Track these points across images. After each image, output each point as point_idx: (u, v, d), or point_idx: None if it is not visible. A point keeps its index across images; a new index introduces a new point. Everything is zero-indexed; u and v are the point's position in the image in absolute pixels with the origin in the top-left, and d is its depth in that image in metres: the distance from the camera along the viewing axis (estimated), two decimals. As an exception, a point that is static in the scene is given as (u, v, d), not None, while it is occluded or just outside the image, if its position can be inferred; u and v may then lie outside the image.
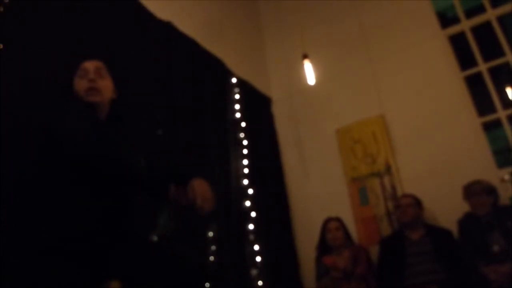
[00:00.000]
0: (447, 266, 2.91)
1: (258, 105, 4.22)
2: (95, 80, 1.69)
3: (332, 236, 3.40)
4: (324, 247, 3.43)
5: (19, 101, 1.92)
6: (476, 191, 2.99)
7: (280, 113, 4.43)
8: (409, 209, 3.22)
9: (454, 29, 3.88)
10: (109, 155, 1.49)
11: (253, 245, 3.37)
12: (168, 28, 3.20)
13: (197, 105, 3.32)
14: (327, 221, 3.48)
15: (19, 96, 1.93)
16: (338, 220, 3.47)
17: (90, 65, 1.73)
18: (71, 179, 1.49)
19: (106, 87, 1.74)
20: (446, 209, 3.31)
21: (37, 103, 1.88)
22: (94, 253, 1.43)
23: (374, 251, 3.40)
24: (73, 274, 1.37)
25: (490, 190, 3.00)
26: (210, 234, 2.97)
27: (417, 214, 3.23)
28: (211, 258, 2.89)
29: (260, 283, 3.28)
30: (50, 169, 1.52)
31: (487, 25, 3.75)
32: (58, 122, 1.53)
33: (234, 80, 3.88)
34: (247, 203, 3.49)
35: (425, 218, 3.31)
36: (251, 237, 3.40)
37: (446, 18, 4.08)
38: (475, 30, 3.80)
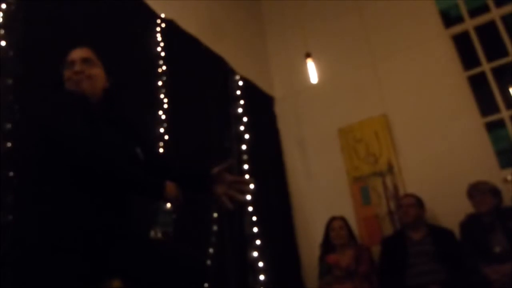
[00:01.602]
0: (449, 266, 2.90)
1: (260, 104, 4.22)
2: (81, 72, 1.63)
3: (335, 235, 3.41)
4: (327, 245, 3.45)
5: (21, 98, 1.93)
6: (481, 190, 2.98)
7: (282, 112, 4.42)
8: (411, 209, 3.21)
9: (457, 29, 3.86)
10: (101, 152, 1.47)
11: (254, 244, 3.38)
12: (170, 26, 3.20)
13: (200, 103, 3.33)
14: (331, 220, 3.50)
15: (21, 93, 1.94)
16: (342, 219, 3.49)
17: (76, 56, 1.66)
18: (70, 177, 1.49)
19: (95, 75, 1.66)
20: (448, 209, 3.30)
21: (36, 100, 1.88)
22: (94, 252, 1.43)
23: (376, 251, 3.40)
24: (74, 273, 1.37)
25: (495, 191, 2.98)
26: (211, 232, 2.97)
27: (419, 214, 3.22)
28: (212, 257, 2.90)
29: (260, 281, 3.28)
30: (49, 167, 1.52)
31: (491, 24, 3.72)
32: (52, 119, 1.51)
33: (236, 78, 3.88)
34: (249, 201, 3.49)
35: (427, 218, 3.30)
36: (253, 236, 3.40)
37: (449, 17, 4.05)
38: (479, 29, 3.78)
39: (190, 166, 1.80)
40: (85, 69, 1.64)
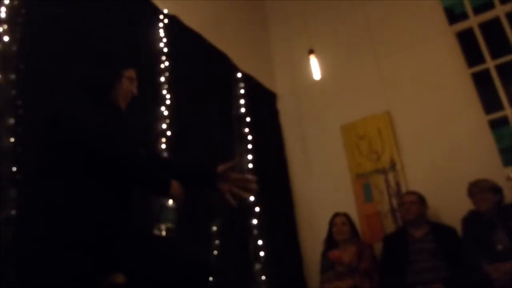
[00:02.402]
0: (450, 264, 2.90)
1: (263, 100, 4.21)
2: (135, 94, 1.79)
3: (337, 230, 3.42)
4: (330, 241, 3.45)
5: (24, 94, 1.94)
6: (482, 188, 2.96)
7: (285, 108, 4.42)
8: (413, 207, 3.21)
9: (462, 25, 3.84)
10: (115, 146, 1.50)
11: (257, 240, 3.38)
12: (173, 21, 3.19)
13: (202, 100, 3.33)
14: (334, 216, 3.51)
15: (24, 88, 1.95)
16: (345, 215, 3.49)
17: (135, 75, 1.81)
18: (76, 172, 1.49)
19: None
20: (451, 207, 3.29)
21: (44, 95, 1.89)
22: (98, 247, 1.44)
23: (378, 248, 3.39)
24: (78, 267, 1.38)
25: (496, 189, 2.97)
26: (214, 228, 2.98)
27: (421, 212, 3.21)
28: (215, 252, 2.90)
29: (263, 278, 3.29)
30: (55, 161, 1.52)
31: (496, 21, 3.70)
32: (68, 112, 1.52)
33: (239, 75, 3.88)
34: (251, 198, 3.49)
35: (429, 215, 3.30)
36: (255, 232, 3.41)
37: (454, 14, 4.02)
38: (483, 26, 3.75)
39: (197, 163, 1.85)
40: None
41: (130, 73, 1.77)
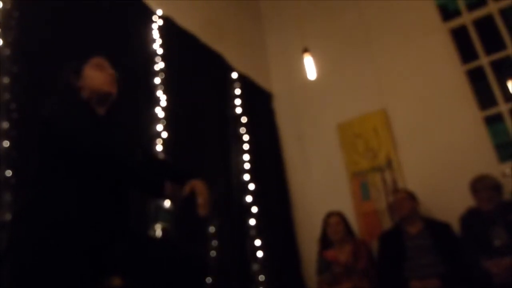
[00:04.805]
0: (447, 259, 2.90)
1: (258, 100, 4.22)
2: (114, 74, 1.72)
3: (332, 231, 3.38)
4: (325, 241, 3.42)
5: (22, 97, 1.93)
6: (486, 185, 2.94)
7: (281, 108, 4.42)
8: (405, 203, 3.20)
9: (455, 22, 3.85)
10: (107, 149, 1.49)
11: (254, 240, 3.38)
12: (167, 23, 3.19)
13: (198, 101, 3.32)
14: (328, 215, 3.47)
15: (18, 92, 1.94)
16: (339, 214, 3.46)
17: (104, 61, 1.74)
18: (72, 174, 1.49)
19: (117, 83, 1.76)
20: (448, 203, 3.30)
21: (38, 98, 1.88)
22: (95, 250, 1.43)
23: (376, 246, 3.39)
24: (74, 270, 1.38)
25: (498, 186, 2.96)
26: (211, 229, 2.98)
27: (414, 207, 3.21)
28: (212, 253, 2.90)
29: (261, 278, 3.28)
30: (51, 165, 1.52)
31: (489, 18, 3.72)
32: (57, 117, 1.52)
33: (234, 75, 3.88)
34: (248, 198, 3.49)
35: (425, 211, 3.30)
36: (252, 232, 3.40)
37: (447, 11, 4.04)
38: (477, 23, 3.77)
39: (178, 167, 1.83)
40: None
41: (97, 60, 1.72)
